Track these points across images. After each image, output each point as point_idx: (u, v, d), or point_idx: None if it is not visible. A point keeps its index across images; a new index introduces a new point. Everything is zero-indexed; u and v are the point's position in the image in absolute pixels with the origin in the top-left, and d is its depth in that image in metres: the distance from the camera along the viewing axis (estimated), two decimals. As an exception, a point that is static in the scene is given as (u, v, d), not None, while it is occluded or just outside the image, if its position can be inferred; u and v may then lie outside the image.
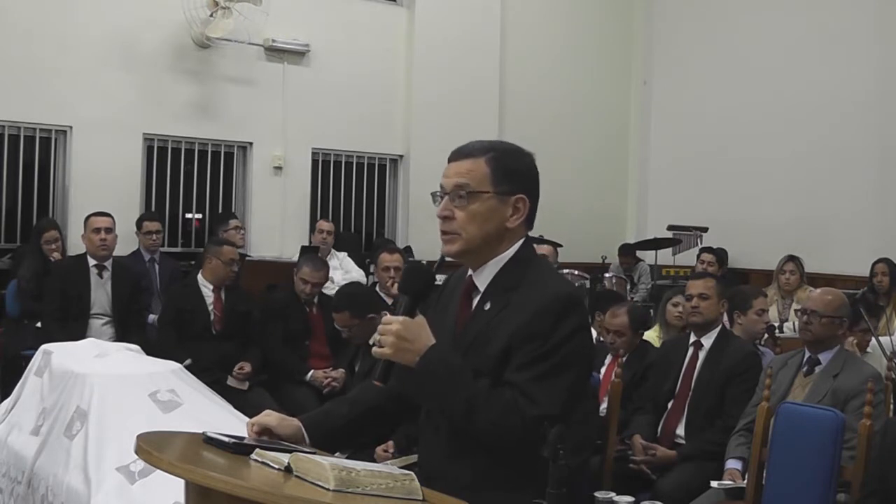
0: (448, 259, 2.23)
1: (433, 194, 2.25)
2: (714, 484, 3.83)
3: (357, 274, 7.67)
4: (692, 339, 4.53)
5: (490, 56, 9.84)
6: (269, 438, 2.15)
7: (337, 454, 2.26)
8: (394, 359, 2.10)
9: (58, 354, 3.46)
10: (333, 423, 2.30)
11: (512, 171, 2.21)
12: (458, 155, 2.23)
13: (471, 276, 2.27)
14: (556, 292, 2.15)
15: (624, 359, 4.53)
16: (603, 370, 4.81)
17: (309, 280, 5.91)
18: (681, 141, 10.48)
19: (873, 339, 5.31)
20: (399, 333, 2.08)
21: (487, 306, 2.20)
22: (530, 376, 2.07)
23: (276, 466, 1.85)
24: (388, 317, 2.15)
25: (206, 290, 5.81)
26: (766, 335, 5.22)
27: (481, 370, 2.11)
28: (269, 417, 2.21)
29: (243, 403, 4.40)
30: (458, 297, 2.29)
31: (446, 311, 2.29)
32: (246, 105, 8.49)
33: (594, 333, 5.10)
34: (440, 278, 2.37)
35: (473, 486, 2.08)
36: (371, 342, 4.67)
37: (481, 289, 2.24)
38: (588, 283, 7.24)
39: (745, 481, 3.68)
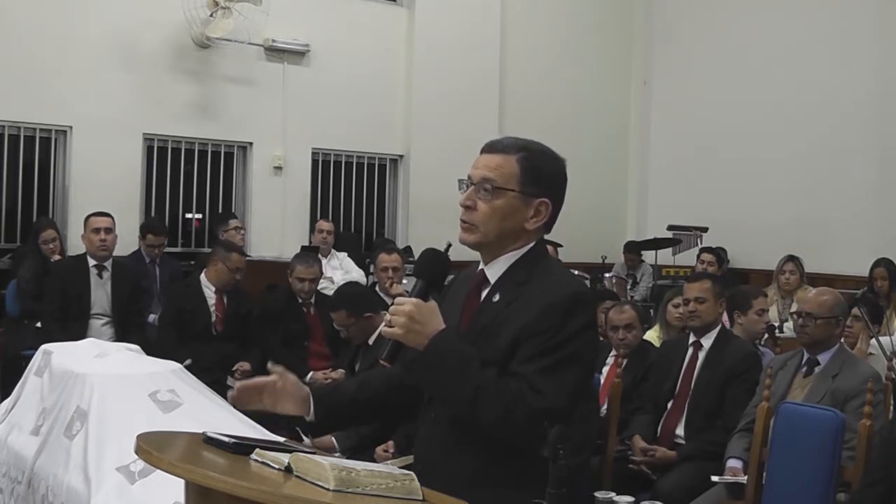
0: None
1: (460, 181, 2.27)
2: (715, 478, 3.83)
3: (357, 274, 7.66)
4: (692, 339, 4.52)
5: (490, 56, 9.83)
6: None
7: (336, 454, 2.25)
8: (403, 340, 2.09)
9: (58, 354, 3.45)
10: (339, 400, 2.35)
11: (541, 174, 2.21)
12: (491, 148, 2.24)
13: (482, 269, 2.27)
14: (568, 289, 2.17)
15: (625, 361, 4.52)
16: (605, 370, 4.80)
17: (305, 277, 5.92)
18: (681, 141, 10.47)
19: (873, 339, 5.31)
20: (411, 315, 2.08)
21: (496, 298, 2.21)
22: (537, 368, 2.08)
23: (276, 466, 1.84)
24: (400, 298, 2.14)
25: (209, 291, 5.81)
26: (766, 335, 5.22)
27: (488, 361, 2.11)
28: (284, 378, 2.25)
29: (243, 403, 4.39)
30: (465, 292, 2.29)
31: (455, 307, 2.29)
32: (246, 105, 8.49)
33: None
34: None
35: (473, 482, 2.08)
36: (370, 342, 4.72)
37: (492, 281, 2.24)
38: (588, 283, 7.24)
39: (746, 478, 3.68)
